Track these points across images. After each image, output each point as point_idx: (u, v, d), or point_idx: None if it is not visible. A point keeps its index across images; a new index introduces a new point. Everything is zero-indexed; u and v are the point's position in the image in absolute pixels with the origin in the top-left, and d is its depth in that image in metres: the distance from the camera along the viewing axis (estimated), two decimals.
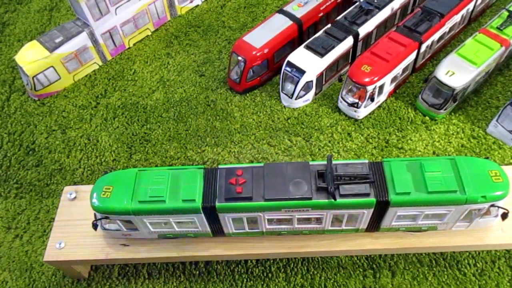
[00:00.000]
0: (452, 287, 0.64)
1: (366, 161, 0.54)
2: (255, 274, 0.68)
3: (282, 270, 0.68)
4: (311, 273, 0.68)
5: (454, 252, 0.67)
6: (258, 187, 0.52)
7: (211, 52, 1.02)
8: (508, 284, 0.64)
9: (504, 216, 0.55)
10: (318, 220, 0.56)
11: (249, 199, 0.52)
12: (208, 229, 0.58)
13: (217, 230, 0.58)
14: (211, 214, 0.54)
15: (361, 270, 0.67)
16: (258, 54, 0.87)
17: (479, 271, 0.65)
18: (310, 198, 0.51)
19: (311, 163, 0.54)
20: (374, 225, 0.57)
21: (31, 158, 0.86)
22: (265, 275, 0.68)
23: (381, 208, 0.53)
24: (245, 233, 0.59)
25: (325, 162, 0.53)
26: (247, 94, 0.92)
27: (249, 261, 0.69)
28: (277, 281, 0.67)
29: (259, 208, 0.52)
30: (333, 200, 0.51)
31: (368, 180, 0.51)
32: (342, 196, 0.51)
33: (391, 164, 0.53)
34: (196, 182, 0.53)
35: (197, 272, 0.69)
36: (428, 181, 0.51)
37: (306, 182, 0.52)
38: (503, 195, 0.52)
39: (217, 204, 0.52)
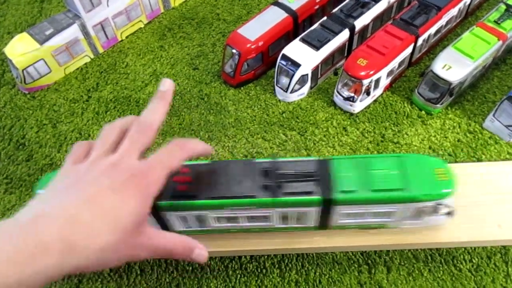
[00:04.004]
0: (448, 282, 0.64)
1: (314, 158, 0.53)
2: (249, 270, 0.67)
3: (277, 265, 0.67)
4: (305, 268, 0.67)
5: (449, 248, 0.67)
6: (201, 185, 0.51)
7: (205, 45, 1.00)
8: (503, 280, 0.63)
9: (450, 214, 0.54)
10: (266, 218, 0.55)
11: (193, 197, 0.50)
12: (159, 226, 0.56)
13: (165, 228, 0.57)
14: (155, 213, 0.53)
15: (356, 265, 0.67)
16: (252, 47, 0.86)
17: (474, 266, 0.65)
18: (254, 196, 0.50)
19: (257, 160, 0.53)
20: (323, 223, 0.56)
21: (21, 152, 0.84)
22: (259, 270, 0.67)
23: (326, 206, 0.52)
24: (193, 231, 0.58)
25: (275, 160, 0.52)
26: (242, 88, 0.90)
27: (243, 256, 0.68)
28: (271, 277, 0.66)
29: (201, 206, 0.51)
30: (275, 198, 0.50)
31: (312, 178, 0.51)
32: (285, 194, 0.50)
33: (338, 162, 0.52)
34: None
35: (190, 268, 0.68)
36: (373, 179, 0.50)
37: (250, 180, 0.51)
38: (448, 193, 0.51)
39: (160, 202, 0.51)
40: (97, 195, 0.39)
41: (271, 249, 0.63)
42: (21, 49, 0.89)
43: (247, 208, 0.52)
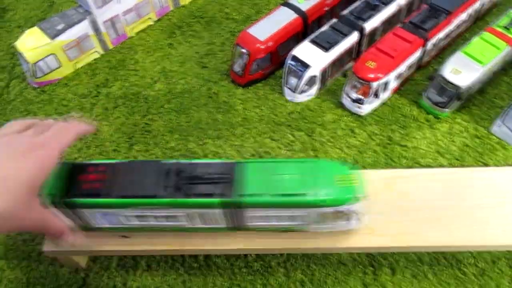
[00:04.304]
0: (452, 286, 0.64)
1: (222, 161, 0.54)
2: (254, 268, 0.68)
3: (282, 265, 0.68)
4: (311, 268, 0.67)
5: (454, 252, 0.67)
6: (108, 184, 0.52)
7: (214, 43, 1.00)
8: (508, 284, 0.64)
9: (358, 220, 0.55)
10: (176, 218, 0.55)
11: (103, 195, 0.51)
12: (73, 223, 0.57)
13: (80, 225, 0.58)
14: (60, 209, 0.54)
15: (361, 267, 0.67)
16: (262, 47, 0.86)
17: (479, 270, 0.65)
18: (155, 196, 0.51)
19: (164, 161, 0.53)
20: (234, 224, 0.56)
21: None
22: (264, 269, 0.68)
23: (232, 208, 0.52)
24: (108, 228, 0.58)
25: (180, 161, 0.53)
26: (250, 87, 0.91)
27: (248, 255, 0.69)
28: (276, 276, 0.67)
29: (110, 205, 0.52)
30: (178, 199, 0.50)
31: (221, 180, 0.51)
32: (188, 195, 0.51)
33: (246, 165, 0.53)
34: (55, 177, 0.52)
35: (196, 265, 0.68)
36: (278, 183, 0.51)
37: (155, 180, 0.51)
38: (355, 199, 0.52)
39: (65, 199, 0.51)
40: None
41: (277, 248, 0.64)
42: (32, 43, 0.90)
43: (154, 208, 0.53)
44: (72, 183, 0.52)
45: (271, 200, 0.51)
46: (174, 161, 0.53)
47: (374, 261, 0.67)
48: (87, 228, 0.58)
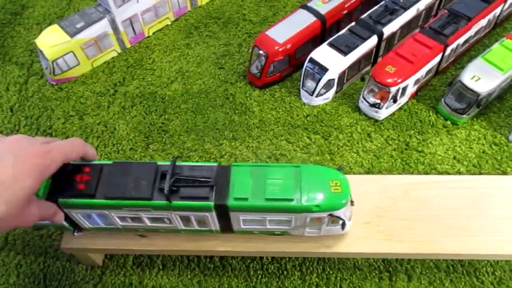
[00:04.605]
0: None
1: (214, 164, 0.53)
2: (270, 271, 0.68)
3: (298, 268, 0.68)
4: (326, 272, 0.67)
5: (472, 260, 0.67)
6: (101, 185, 0.52)
7: (231, 45, 1.01)
8: None
9: (343, 225, 0.55)
10: (167, 220, 0.56)
11: (88, 196, 0.51)
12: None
13: (74, 225, 0.58)
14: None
15: (377, 272, 0.67)
16: (280, 49, 0.86)
17: (497, 279, 0.65)
18: (149, 199, 0.51)
19: (159, 163, 0.53)
20: (225, 227, 0.57)
21: None
22: (280, 272, 0.68)
23: (222, 212, 0.52)
24: (103, 228, 0.59)
25: (172, 163, 0.53)
26: (267, 89, 0.91)
27: (264, 257, 0.69)
28: (292, 279, 0.67)
29: (100, 205, 0.52)
30: (167, 201, 0.50)
31: (207, 184, 0.51)
32: (179, 198, 0.51)
33: (236, 169, 0.53)
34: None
35: (212, 265, 0.69)
36: (267, 187, 0.51)
37: (148, 182, 0.51)
38: (340, 205, 0.51)
39: (60, 200, 0.51)
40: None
41: (294, 251, 0.64)
42: (52, 40, 0.91)
43: (145, 210, 0.53)
44: (66, 183, 0.52)
45: (263, 205, 0.51)
46: (167, 163, 0.53)
47: (390, 267, 0.67)
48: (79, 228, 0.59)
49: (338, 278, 0.67)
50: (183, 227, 0.57)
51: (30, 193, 0.44)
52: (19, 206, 0.43)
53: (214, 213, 0.53)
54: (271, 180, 0.52)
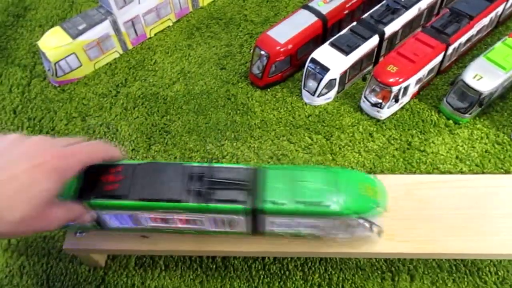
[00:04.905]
0: None
1: (248, 166, 0.53)
2: (272, 271, 0.68)
3: (300, 268, 0.68)
4: (328, 272, 0.67)
5: (475, 259, 0.66)
6: (134, 186, 0.51)
7: (232, 45, 1.01)
8: None
9: (375, 230, 0.54)
10: (200, 222, 0.55)
11: (119, 197, 0.51)
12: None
13: (101, 225, 0.57)
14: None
15: (379, 272, 0.67)
16: (282, 49, 0.86)
17: (500, 279, 0.64)
18: (185, 201, 0.50)
19: (191, 164, 0.52)
20: (256, 229, 0.56)
21: None
22: (282, 272, 0.68)
23: (255, 215, 0.52)
24: (128, 229, 0.58)
25: (206, 165, 0.52)
26: (268, 90, 0.91)
27: (266, 258, 0.69)
28: (294, 279, 0.67)
29: (131, 207, 0.51)
30: (202, 204, 0.50)
31: (244, 187, 0.50)
32: (214, 201, 0.50)
33: (269, 172, 0.52)
34: (76, 179, 0.52)
35: (214, 266, 0.69)
36: (301, 191, 0.50)
37: (184, 184, 0.51)
38: (373, 209, 0.51)
39: (91, 201, 0.51)
40: (18, 171, 0.42)
41: (296, 252, 0.64)
42: (54, 42, 0.91)
43: (177, 212, 0.52)
44: (93, 184, 0.51)
45: (296, 208, 0.50)
46: (200, 164, 0.52)
47: (392, 267, 0.67)
48: (102, 228, 0.58)
49: (340, 278, 0.66)
50: (213, 229, 0.56)
51: (50, 195, 0.43)
52: (38, 208, 0.43)
53: (249, 217, 0.52)
54: (304, 183, 0.51)
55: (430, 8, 0.95)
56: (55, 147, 0.46)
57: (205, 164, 0.53)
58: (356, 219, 0.52)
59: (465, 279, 0.65)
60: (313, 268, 0.68)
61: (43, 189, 0.43)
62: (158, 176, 0.51)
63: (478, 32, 0.90)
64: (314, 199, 0.50)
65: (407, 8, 0.89)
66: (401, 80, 0.78)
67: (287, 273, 0.67)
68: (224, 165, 0.53)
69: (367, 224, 0.54)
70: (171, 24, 1.07)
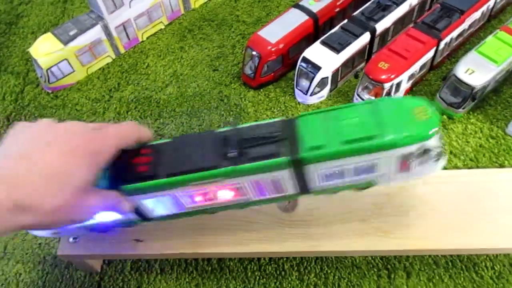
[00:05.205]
0: None
1: (279, 119, 0.49)
2: (268, 272, 0.68)
3: (295, 268, 0.68)
4: (324, 271, 0.67)
5: (471, 254, 0.66)
6: (162, 164, 0.48)
7: (224, 46, 1.01)
8: None
9: (439, 157, 0.47)
10: (239, 191, 0.51)
11: (150, 177, 0.47)
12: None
13: (144, 216, 0.54)
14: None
15: (375, 270, 0.66)
16: (273, 49, 0.86)
17: (496, 274, 0.64)
18: (215, 167, 0.46)
19: (219, 130, 0.49)
20: (302, 188, 0.51)
21: None
22: (278, 273, 0.67)
23: (296, 167, 0.47)
24: (173, 216, 0.54)
25: (233, 128, 0.49)
26: (261, 90, 0.91)
27: (262, 258, 0.69)
28: (290, 279, 0.67)
29: (163, 185, 0.48)
30: (239, 165, 0.46)
31: (275, 139, 0.46)
32: (248, 160, 0.46)
33: (304, 119, 0.48)
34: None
35: (210, 268, 0.68)
36: (344, 129, 0.45)
37: (212, 150, 0.47)
38: (430, 132, 0.44)
39: (122, 186, 0.48)
40: (51, 158, 0.40)
41: (291, 251, 0.63)
42: (46, 49, 0.91)
43: (213, 182, 0.48)
44: (126, 168, 0.48)
45: (342, 149, 0.44)
46: (226, 128, 0.49)
47: (389, 264, 0.67)
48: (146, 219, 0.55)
49: (336, 277, 0.66)
50: (256, 198, 0.52)
51: (85, 182, 0.42)
52: (74, 196, 0.41)
53: (287, 171, 0.47)
54: (346, 121, 0.46)
55: (422, 4, 0.95)
56: (87, 131, 0.44)
57: (232, 127, 0.49)
58: (412, 147, 0.45)
59: (462, 274, 0.65)
60: (309, 268, 0.67)
61: (78, 176, 0.41)
62: (189, 148, 0.48)
63: (470, 26, 0.90)
64: (362, 134, 0.44)
65: (398, 4, 0.89)
66: (393, 76, 0.78)
67: (283, 273, 0.67)
68: (253, 123, 0.49)
69: (427, 152, 0.46)
70: (163, 27, 1.06)
